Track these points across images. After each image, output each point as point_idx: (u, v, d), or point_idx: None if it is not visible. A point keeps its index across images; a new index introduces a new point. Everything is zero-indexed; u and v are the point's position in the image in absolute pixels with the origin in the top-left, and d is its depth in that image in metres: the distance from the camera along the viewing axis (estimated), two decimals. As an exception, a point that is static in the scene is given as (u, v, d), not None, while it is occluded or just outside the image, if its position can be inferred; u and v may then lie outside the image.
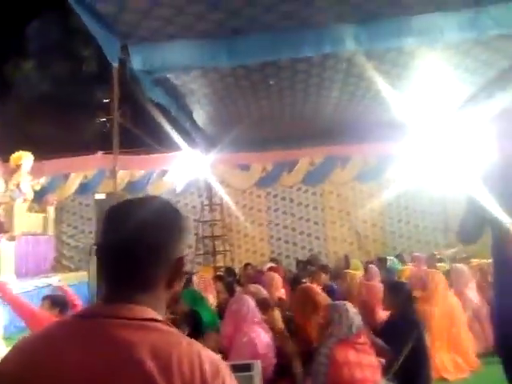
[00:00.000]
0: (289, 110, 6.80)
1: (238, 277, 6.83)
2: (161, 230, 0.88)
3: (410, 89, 6.01)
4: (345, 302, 2.90)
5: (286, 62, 5.10)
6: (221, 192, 9.47)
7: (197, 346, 0.83)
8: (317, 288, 3.70)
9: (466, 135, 7.00)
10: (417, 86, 5.95)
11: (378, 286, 4.32)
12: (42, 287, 8.02)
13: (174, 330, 0.84)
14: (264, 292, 3.64)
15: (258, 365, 2.15)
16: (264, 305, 3.28)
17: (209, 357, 0.82)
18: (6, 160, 9.77)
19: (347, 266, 6.88)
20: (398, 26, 4.19)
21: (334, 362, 2.52)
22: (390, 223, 9.56)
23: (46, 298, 3.65)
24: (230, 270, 7.15)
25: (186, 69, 4.86)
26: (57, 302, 3.58)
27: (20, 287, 7.47)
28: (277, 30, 4.26)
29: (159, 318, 0.85)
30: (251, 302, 2.98)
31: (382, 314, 3.89)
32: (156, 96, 5.53)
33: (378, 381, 2.56)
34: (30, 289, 7.65)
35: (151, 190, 9.70)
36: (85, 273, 9.70)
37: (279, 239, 9.78)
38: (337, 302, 3.00)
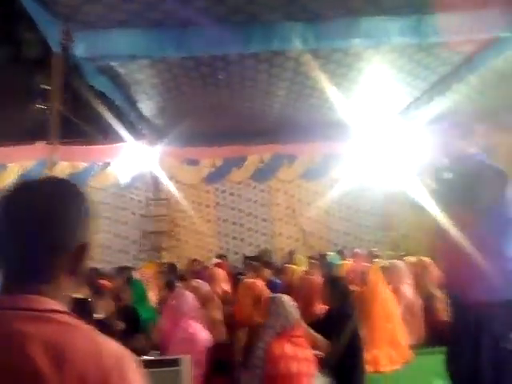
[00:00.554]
0: (238, 106, 6.79)
1: (180, 273, 6.75)
2: (57, 216, 0.82)
3: (355, 90, 6.18)
4: (283, 295, 2.94)
5: (235, 57, 5.07)
6: (168, 186, 9.31)
7: (98, 337, 0.79)
8: (260, 283, 3.71)
9: (407, 138, 7.30)
10: (362, 87, 6.12)
11: (318, 281, 4.39)
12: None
13: (74, 320, 0.80)
14: (206, 287, 3.61)
15: (186, 360, 2.12)
16: (204, 299, 3.26)
17: (109, 348, 0.78)
18: None
19: (292, 262, 6.99)
20: (345, 28, 4.28)
21: (270, 355, 2.55)
22: (334, 221, 9.80)
23: None
24: (171, 266, 7.05)
25: (133, 58, 4.71)
26: None
27: None
28: (226, 23, 4.23)
29: (59, 308, 0.80)
30: (191, 298, 2.95)
31: (321, 308, 3.98)
32: (99, 85, 5.35)
33: (314, 374, 2.61)
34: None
35: (94, 183, 9.35)
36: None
37: (227, 235, 9.74)
38: (275, 294, 3.03)
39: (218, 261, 6.91)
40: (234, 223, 9.80)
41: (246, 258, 8.64)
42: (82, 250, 0.85)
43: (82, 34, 4.24)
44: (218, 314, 3.25)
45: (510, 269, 2.29)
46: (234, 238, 9.76)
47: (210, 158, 9.57)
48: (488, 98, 6.59)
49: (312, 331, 3.06)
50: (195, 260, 7.28)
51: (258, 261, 7.52)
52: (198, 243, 9.82)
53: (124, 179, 9.71)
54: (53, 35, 4.12)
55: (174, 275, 5.58)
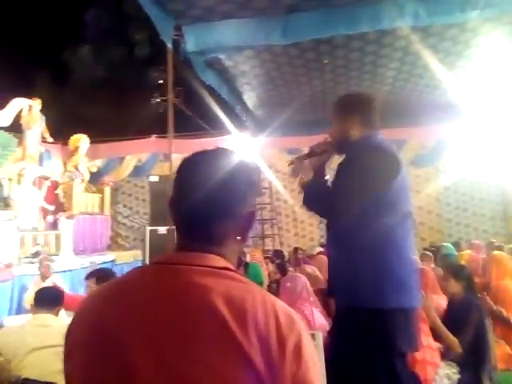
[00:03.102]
0: (343, 90, 6.59)
1: (286, 259, 6.82)
2: (234, 185, 0.88)
3: (471, 69, 5.67)
4: None
5: (341, 40, 4.94)
6: (269, 176, 9.44)
7: (270, 296, 0.80)
8: None
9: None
10: (478, 65, 5.59)
11: (431, 271, 4.20)
12: (98, 264, 8.39)
13: (246, 279, 0.83)
14: (318, 273, 3.60)
15: (319, 335, 2.10)
16: (318, 285, 3.24)
17: (283, 309, 0.79)
18: (64, 143, 10.25)
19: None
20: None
21: None
22: (447, 210, 9.17)
23: (89, 276, 3.56)
24: (278, 253, 7.15)
25: (240, 49, 4.81)
26: (101, 277, 3.46)
27: (78, 263, 7.87)
28: (332, 5, 4.11)
29: (232, 267, 0.84)
30: (306, 281, 2.94)
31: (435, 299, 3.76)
32: (207, 78, 5.53)
33: (438, 364, 2.47)
34: (86, 265, 8.00)
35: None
36: (139, 252, 10.17)
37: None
38: None
39: (322, 249, 6.85)
40: (336, 212, 9.63)
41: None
42: (251, 216, 0.90)
43: (191, 28, 4.42)
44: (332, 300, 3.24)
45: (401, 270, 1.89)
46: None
47: (310, 146, 9.50)
48: None
49: (439, 322, 2.89)
50: (298, 248, 7.30)
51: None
52: (299, 231, 9.85)
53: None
54: (166, 32, 4.33)
55: (281, 261, 5.66)
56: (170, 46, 4.41)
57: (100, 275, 3.46)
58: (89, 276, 3.56)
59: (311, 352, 0.77)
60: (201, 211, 0.85)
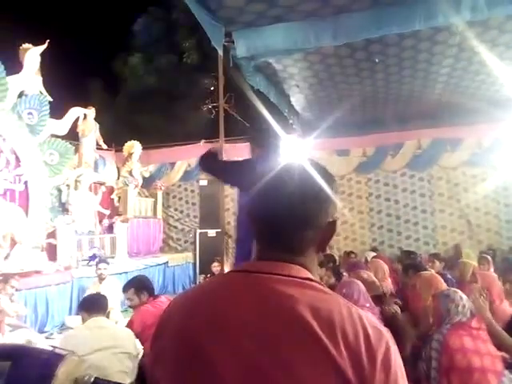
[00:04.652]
0: (394, 90, 6.45)
1: (337, 264, 6.71)
2: (316, 197, 0.87)
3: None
4: (456, 289, 2.77)
5: (393, 39, 4.82)
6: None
7: (356, 308, 0.79)
8: (438, 276, 3.55)
9: None
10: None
11: (494, 276, 4.02)
12: (152, 266, 8.64)
13: (330, 290, 0.82)
14: (375, 279, 3.51)
15: None
16: (372, 291, 3.17)
17: (370, 321, 0.78)
18: (117, 149, 10.65)
19: (458, 256, 6.42)
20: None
21: (446, 348, 2.40)
22: (506, 211, 8.71)
23: (126, 288, 3.52)
24: (329, 257, 7.04)
25: (289, 52, 4.80)
26: (140, 286, 3.50)
27: (133, 265, 8.13)
28: (383, 4, 4.02)
29: (314, 278, 0.84)
30: (362, 287, 2.88)
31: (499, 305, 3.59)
32: (256, 83, 5.56)
33: (500, 372, 2.34)
34: (141, 267, 8.26)
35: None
36: (190, 254, 10.38)
37: (381, 227, 9.40)
38: (449, 289, 2.84)
39: (374, 253, 6.70)
40: (388, 215, 9.40)
41: (403, 251, 8.22)
42: (332, 226, 0.90)
43: (241, 34, 4.46)
44: (389, 304, 3.15)
45: None
46: (390, 230, 9.36)
47: (360, 147, 9.32)
48: None
49: (499, 328, 2.76)
50: (351, 252, 7.17)
51: (414, 255, 7.09)
52: (349, 235, 9.67)
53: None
54: (217, 39, 4.39)
55: (333, 265, 5.57)
56: (220, 52, 4.46)
57: (137, 285, 3.50)
58: (126, 288, 3.53)
59: (399, 363, 0.77)
60: (284, 221, 0.85)
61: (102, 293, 3.96)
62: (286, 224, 0.85)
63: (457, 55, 5.25)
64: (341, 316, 0.75)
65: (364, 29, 4.17)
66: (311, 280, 0.83)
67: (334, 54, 5.21)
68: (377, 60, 5.27)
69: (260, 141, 2.92)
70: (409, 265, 4.50)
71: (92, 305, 3.04)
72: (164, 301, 3.43)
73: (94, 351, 2.57)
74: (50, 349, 1.91)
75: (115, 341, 2.73)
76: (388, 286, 4.37)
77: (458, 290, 2.75)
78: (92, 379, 1.69)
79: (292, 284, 0.80)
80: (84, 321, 2.97)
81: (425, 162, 9.00)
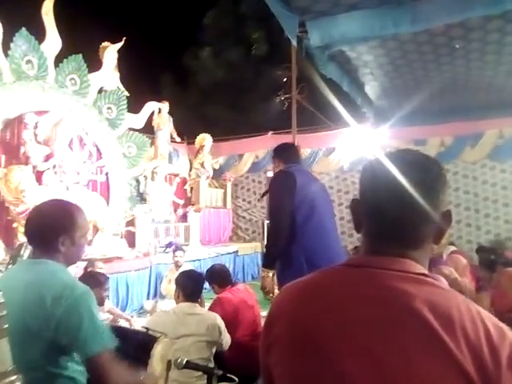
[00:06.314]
0: (476, 76, 6.07)
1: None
2: (430, 188, 0.85)
3: None
4: None
5: (477, 22, 4.52)
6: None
7: (474, 304, 0.77)
8: None
9: None
10: None
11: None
12: (223, 254, 8.87)
13: (446, 286, 0.80)
14: (457, 275, 3.36)
15: None
16: (456, 288, 3.03)
17: (490, 318, 0.75)
18: (189, 142, 11.01)
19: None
20: None
21: None
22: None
23: (208, 276, 3.69)
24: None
25: (366, 39, 4.67)
26: (220, 275, 3.69)
27: (206, 253, 8.40)
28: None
29: (428, 273, 0.82)
30: (446, 284, 2.77)
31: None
32: (329, 72, 5.47)
33: None
34: (213, 255, 8.51)
35: (316, 168, 9.80)
36: (258, 243, 10.52)
37: (459, 222, 8.94)
38: None
39: (454, 248, 6.39)
40: (467, 208, 8.92)
41: (480, 247, 7.77)
42: (447, 216, 0.87)
43: (315, 23, 4.40)
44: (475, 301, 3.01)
45: None
46: (468, 224, 8.88)
47: (438, 136, 8.89)
48: None
49: None
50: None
51: (495, 252, 6.68)
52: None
53: (346, 163, 9.91)
54: (291, 29, 4.36)
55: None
56: (294, 43, 4.44)
57: (218, 273, 3.69)
58: (208, 277, 3.66)
59: None
60: (399, 215, 0.83)
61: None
62: (409, 219, 0.83)
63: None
64: (460, 312, 0.74)
65: (445, 13, 3.95)
66: (426, 276, 0.81)
67: (412, 40, 4.98)
68: (457, 46, 4.97)
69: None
70: (492, 261, 4.25)
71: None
72: (241, 289, 3.51)
73: (181, 336, 2.68)
74: (143, 330, 2.03)
75: (199, 329, 2.81)
76: (467, 281, 4.17)
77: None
78: (184, 362, 1.77)
79: (408, 280, 0.79)
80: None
81: (507, 153, 8.42)
